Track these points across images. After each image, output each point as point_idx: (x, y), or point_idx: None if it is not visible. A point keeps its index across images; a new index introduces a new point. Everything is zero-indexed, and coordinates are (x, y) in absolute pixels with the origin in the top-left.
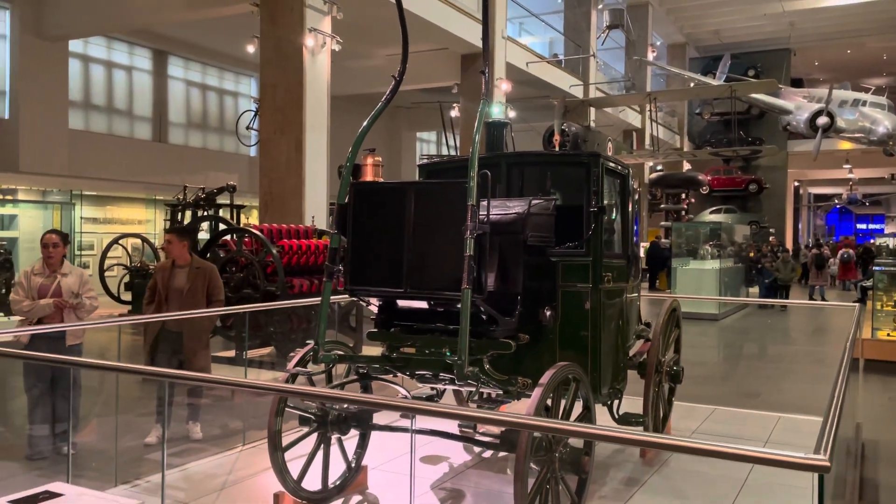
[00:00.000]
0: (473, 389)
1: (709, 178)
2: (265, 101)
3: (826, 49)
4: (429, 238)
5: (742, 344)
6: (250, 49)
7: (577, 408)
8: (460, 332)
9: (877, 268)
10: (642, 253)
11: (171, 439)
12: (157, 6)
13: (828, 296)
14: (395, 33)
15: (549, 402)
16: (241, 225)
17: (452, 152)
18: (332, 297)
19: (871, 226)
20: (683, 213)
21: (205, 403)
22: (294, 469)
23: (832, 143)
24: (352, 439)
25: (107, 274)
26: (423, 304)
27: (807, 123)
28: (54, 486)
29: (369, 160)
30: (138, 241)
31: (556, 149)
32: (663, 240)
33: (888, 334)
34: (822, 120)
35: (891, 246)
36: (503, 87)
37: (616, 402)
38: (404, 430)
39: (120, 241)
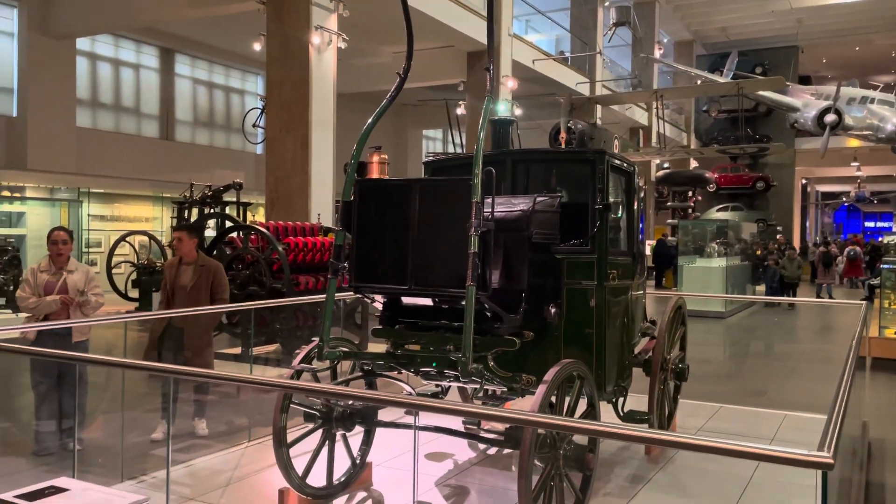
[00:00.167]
0: (478, 387)
1: (716, 175)
2: (271, 99)
3: (834, 46)
4: (433, 235)
5: (748, 342)
6: (257, 47)
7: (582, 405)
8: (464, 330)
9: (884, 265)
10: (648, 251)
11: (177, 435)
12: (163, 4)
13: (835, 294)
14: (401, 31)
15: (553, 399)
16: (247, 222)
17: (458, 150)
18: (337, 295)
19: (880, 224)
20: (690, 210)
21: (211, 400)
22: (299, 465)
23: (840, 141)
24: (357, 436)
25: (114, 271)
26: (428, 301)
27: (814, 121)
28: (60, 482)
29: (375, 158)
30: (145, 238)
31: (563, 146)
32: (670, 238)
33: None
34: (830, 117)
35: None
36: (509, 84)
37: (621, 399)
38: (409, 426)
39: (127, 239)
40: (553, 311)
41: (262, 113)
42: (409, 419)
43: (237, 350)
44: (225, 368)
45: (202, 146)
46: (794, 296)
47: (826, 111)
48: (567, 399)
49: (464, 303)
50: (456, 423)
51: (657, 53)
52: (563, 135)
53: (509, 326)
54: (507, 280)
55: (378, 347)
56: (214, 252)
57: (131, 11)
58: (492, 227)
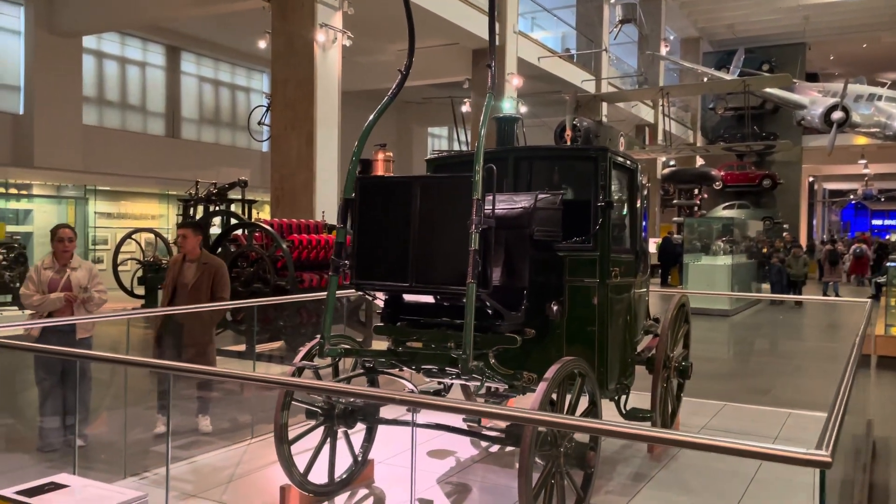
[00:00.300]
0: (478, 384)
1: (722, 173)
2: (276, 97)
3: (841, 43)
4: (434, 232)
5: (753, 340)
6: (262, 45)
7: (584, 403)
8: (464, 327)
9: (891, 263)
10: (654, 248)
11: (180, 432)
12: (169, 2)
13: (842, 292)
14: (403, 27)
15: (554, 396)
16: (252, 220)
17: (463, 147)
18: (342, 292)
19: (887, 221)
20: (696, 208)
21: (214, 397)
22: (301, 462)
23: (847, 138)
24: (359, 433)
25: (120, 268)
26: (430, 299)
27: (821, 118)
28: (60, 478)
29: (380, 155)
30: (151, 235)
31: (568, 143)
32: (675, 235)
33: None
34: (837, 115)
35: None
36: (514, 82)
37: (623, 397)
38: (410, 423)
39: (133, 236)
40: (555, 308)
41: (267, 110)
42: (410, 416)
43: (242, 347)
44: (229, 366)
45: (208, 144)
46: (800, 294)
47: (833, 108)
48: (568, 397)
49: (465, 300)
50: (457, 420)
51: (663, 51)
52: (568, 132)
53: (510, 324)
54: (508, 277)
55: (383, 345)
56: (219, 249)
57: (137, 9)
58: (492, 225)
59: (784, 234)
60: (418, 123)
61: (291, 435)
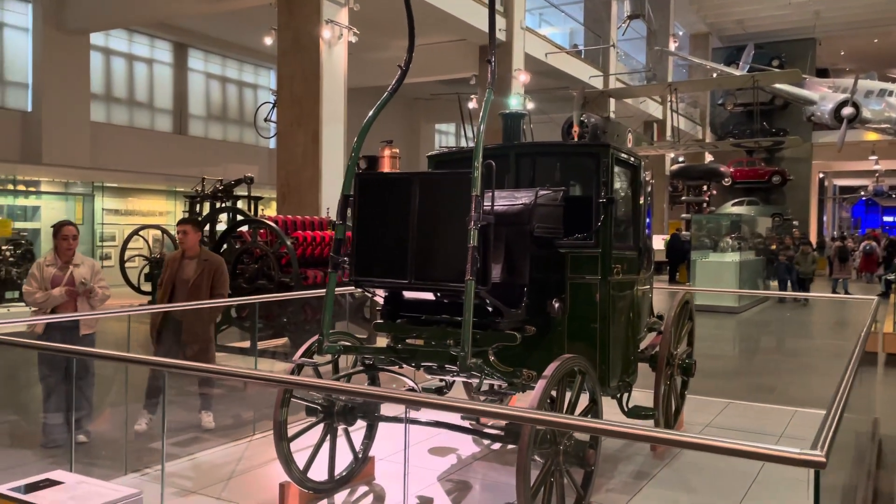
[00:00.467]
0: (478, 381)
1: (731, 169)
2: (283, 93)
3: (852, 38)
4: (434, 229)
5: (760, 337)
6: (268, 41)
7: (585, 400)
8: (463, 324)
9: None
10: (662, 245)
11: (183, 428)
12: None
13: (851, 289)
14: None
15: (554, 393)
16: (257, 216)
17: (471, 144)
18: (345, 289)
19: None
20: (705, 205)
21: (218, 393)
22: (302, 459)
23: (858, 134)
24: (360, 430)
25: (127, 265)
26: (430, 296)
27: (831, 114)
28: (55, 475)
29: (386, 152)
30: (158, 232)
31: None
32: (684, 232)
33: None
34: (847, 110)
35: None
36: (521, 78)
37: (626, 394)
38: (410, 421)
39: (140, 233)
40: (557, 305)
41: (273, 107)
42: (413, 414)
43: (246, 344)
44: (232, 362)
45: (215, 140)
46: (808, 291)
47: (843, 104)
48: (568, 394)
49: (464, 297)
50: (457, 417)
51: (672, 46)
52: (575, 128)
53: (510, 321)
54: (508, 274)
55: (384, 342)
56: (225, 246)
57: (145, 6)
58: (491, 221)
59: (794, 230)
60: (426, 120)
61: (291, 432)
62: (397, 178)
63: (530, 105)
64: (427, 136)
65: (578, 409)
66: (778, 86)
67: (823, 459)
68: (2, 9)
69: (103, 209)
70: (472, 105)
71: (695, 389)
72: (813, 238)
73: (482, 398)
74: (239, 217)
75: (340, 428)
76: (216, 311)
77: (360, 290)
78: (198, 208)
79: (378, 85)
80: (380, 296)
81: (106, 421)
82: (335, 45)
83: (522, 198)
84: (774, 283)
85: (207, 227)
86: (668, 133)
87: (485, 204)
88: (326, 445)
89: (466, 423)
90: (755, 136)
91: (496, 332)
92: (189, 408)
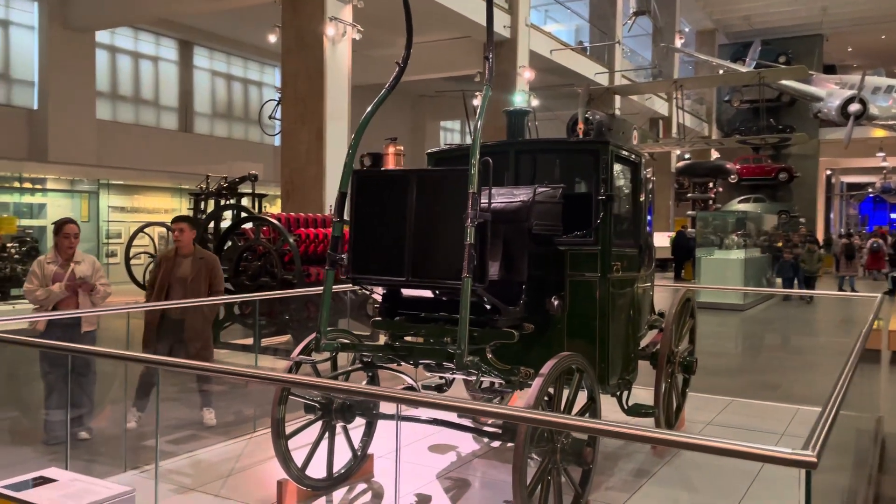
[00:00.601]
0: (474, 379)
1: (738, 166)
2: (287, 91)
3: (859, 34)
4: (431, 226)
5: (764, 335)
6: (272, 38)
7: (583, 398)
8: (459, 321)
9: None
10: (667, 242)
11: (184, 425)
12: None
13: (858, 286)
14: (415, 21)
15: (551, 391)
16: (261, 214)
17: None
18: (344, 287)
19: None
20: (711, 202)
21: (220, 390)
22: (301, 457)
23: (865, 131)
24: (359, 428)
25: (132, 262)
26: (429, 293)
27: (838, 111)
28: (49, 472)
29: (391, 149)
30: (163, 229)
31: (580, 137)
32: (689, 229)
33: None
34: (854, 107)
35: None
36: (526, 75)
37: (626, 392)
38: (409, 419)
39: (145, 230)
40: (556, 303)
41: (278, 104)
42: (410, 411)
43: (249, 341)
44: (235, 359)
45: (221, 138)
46: (812, 289)
47: (850, 100)
48: (566, 392)
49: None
50: (454, 415)
51: (678, 43)
52: (580, 125)
53: (509, 319)
54: (506, 272)
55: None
56: (228, 243)
57: (150, 4)
58: (488, 218)
59: (800, 227)
60: (431, 117)
61: (289, 430)
62: (394, 175)
63: (535, 102)
64: (432, 134)
65: (577, 407)
66: (785, 82)
67: (815, 459)
68: (8, 7)
69: (109, 206)
70: (476, 102)
71: (698, 387)
72: (820, 236)
73: (480, 396)
74: (243, 215)
75: (339, 425)
76: (215, 308)
77: (357, 287)
78: (202, 206)
79: (382, 82)
80: (378, 293)
81: (107, 418)
82: (339, 42)
83: (521, 195)
84: (779, 281)
85: (212, 225)
86: (674, 130)
87: (482, 201)
88: (325, 443)
89: (464, 421)
90: (762, 133)
91: (494, 330)
92: (190, 405)
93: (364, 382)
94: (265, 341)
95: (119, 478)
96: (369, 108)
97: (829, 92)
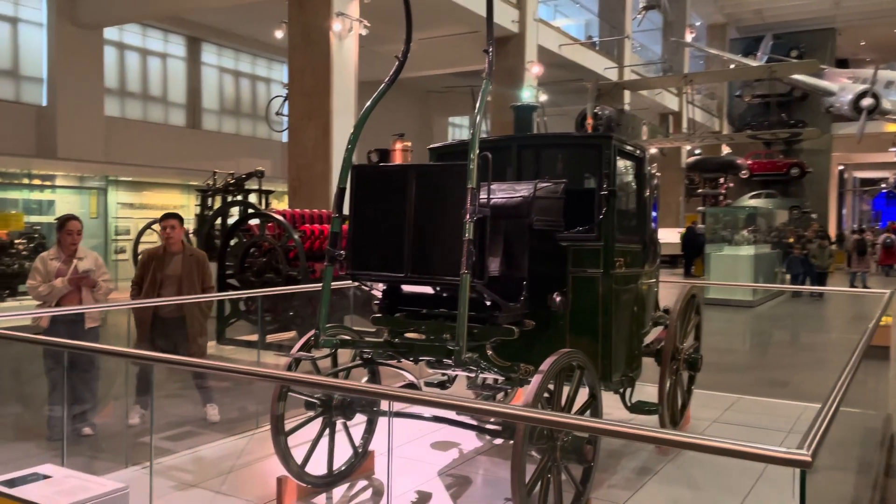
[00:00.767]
0: (474, 376)
1: (749, 162)
2: (294, 87)
3: (872, 28)
4: (430, 222)
5: (774, 331)
6: (279, 35)
7: (584, 395)
8: (458, 318)
9: None
10: (677, 238)
11: (186, 422)
12: None
13: (870, 282)
14: (423, 16)
15: (552, 388)
16: (266, 210)
17: (483, 136)
18: (345, 283)
19: None
20: (722, 197)
21: (224, 387)
22: (301, 454)
23: (878, 126)
24: (360, 424)
25: (140, 258)
26: (429, 289)
27: (851, 105)
28: (44, 468)
29: (398, 145)
30: None
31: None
32: (699, 225)
33: None
34: (867, 101)
35: None
36: (534, 70)
37: (629, 389)
38: (410, 416)
39: (153, 226)
40: (558, 299)
41: (285, 101)
42: (412, 408)
43: (254, 337)
44: (238, 355)
45: (229, 134)
46: (823, 285)
47: (863, 95)
48: (566, 389)
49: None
50: (453, 412)
51: (689, 37)
52: (589, 121)
53: (509, 315)
54: (507, 268)
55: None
56: (234, 240)
57: (158, 1)
58: (487, 214)
59: (812, 223)
60: (439, 113)
61: (289, 426)
62: (394, 170)
63: (543, 97)
64: (440, 130)
65: (577, 405)
66: (796, 77)
67: (809, 459)
68: (17, 4)
69: (117, 203)
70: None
71: (705, 384)
72: (832, 232)
73: (480, 393)
74: (249, 211)
75: (339, 422)
76: (210, 304)
77: (356, 283)
78: (209, 202)
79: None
80: (377, 290)
81: (111, 414)
82: (346, 38)
83: (521, 190)
84: (788, 277)
85: (219, 221)
86: (685, 125)
87: (481, 196)
88: (326, 440)
89: (465, 418)
90: (773, 128)
91: (494, 327)
92: (193, 401)
93: (364, 379)
94: (270, 337)
95: (119, 474)
96: (368, 103)
97: (842, 86)
